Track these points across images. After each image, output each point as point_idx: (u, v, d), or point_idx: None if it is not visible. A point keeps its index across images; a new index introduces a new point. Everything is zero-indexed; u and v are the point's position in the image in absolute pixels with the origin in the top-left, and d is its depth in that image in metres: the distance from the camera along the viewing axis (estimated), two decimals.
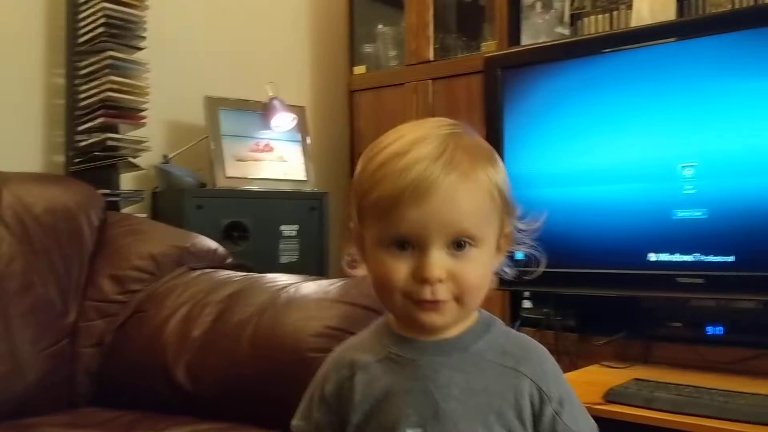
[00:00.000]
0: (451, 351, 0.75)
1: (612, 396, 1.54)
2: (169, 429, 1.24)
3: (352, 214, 0.75)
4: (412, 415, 0.72)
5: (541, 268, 0.83)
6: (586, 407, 0.79)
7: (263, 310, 1.37)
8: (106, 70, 2.01)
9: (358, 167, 0.75)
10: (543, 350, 0.78)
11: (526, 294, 2.09)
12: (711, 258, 1.71)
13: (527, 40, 2.29)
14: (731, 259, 1.69)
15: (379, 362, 0.76)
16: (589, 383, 1.68)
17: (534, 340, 0.80)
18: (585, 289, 1.92)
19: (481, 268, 0.73)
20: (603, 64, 1.90)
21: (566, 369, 1.96)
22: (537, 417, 0.74)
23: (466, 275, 0.71)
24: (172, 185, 2.20)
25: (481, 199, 0.72)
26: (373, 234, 0.72)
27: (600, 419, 1.53)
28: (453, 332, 0.75)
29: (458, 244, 0.71)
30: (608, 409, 1.51)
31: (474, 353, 0.75)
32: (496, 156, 0.77)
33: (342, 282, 1.40)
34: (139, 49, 2.10)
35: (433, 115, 2.50)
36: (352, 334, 1.27)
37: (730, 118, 1.70)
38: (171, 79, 2.27)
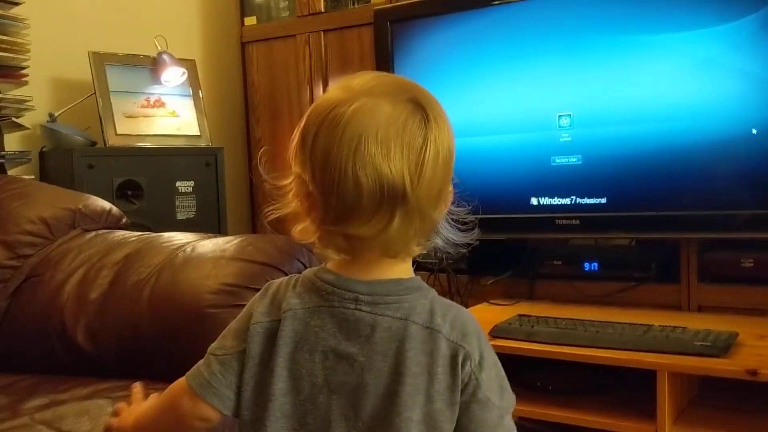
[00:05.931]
0: None
1: (496, 332, 1.66)
2: (71, 390, 1.25)
3: None
4: None
5: None
6: None
7: (161, 269, 1.39)
8: None
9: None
10: None
11: None
12: (586, 200, 1.85)
13: None
14: (603, 201, 1.83)
15: None
16: (477, 321, 1.79)
17: None
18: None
19: None
20: (488, 17, 1.97)
21: None
22: None
23: None
24: (60, 144, 2.15)
25: None
26: None
27: None
28: None
29: None
30: (493, 343, 1.61)
31: None
32: None
33: (238, 239, 1.44)
34: (17, 3, 2.01)
35: (326, 67, 2.53)
36: (249, 289, 1.32)
37: (601, 70, 1.82)
38: (53, 35, 2.20)
